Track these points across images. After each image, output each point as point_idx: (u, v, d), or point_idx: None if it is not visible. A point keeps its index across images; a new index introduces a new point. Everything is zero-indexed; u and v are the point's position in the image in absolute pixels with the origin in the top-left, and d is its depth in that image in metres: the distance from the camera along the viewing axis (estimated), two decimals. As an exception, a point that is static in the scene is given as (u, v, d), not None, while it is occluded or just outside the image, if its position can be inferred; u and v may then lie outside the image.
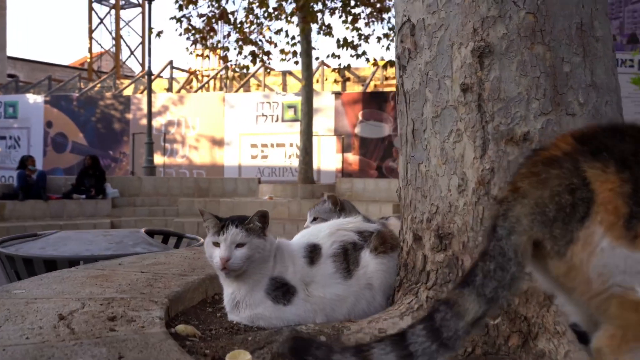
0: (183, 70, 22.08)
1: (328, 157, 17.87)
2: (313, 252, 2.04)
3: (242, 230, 1.93)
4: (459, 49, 1.68)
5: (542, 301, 1.51)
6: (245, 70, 15.96)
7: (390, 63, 15.72)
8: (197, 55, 17.39)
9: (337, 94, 18.24)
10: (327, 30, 15.30)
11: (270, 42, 15.84)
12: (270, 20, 15.30)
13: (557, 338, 1.45)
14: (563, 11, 1.61)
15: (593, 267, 1.02)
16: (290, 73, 20.52)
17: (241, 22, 15.23)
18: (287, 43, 15.60)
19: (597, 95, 1.62)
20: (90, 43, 28.04)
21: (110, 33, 29.08)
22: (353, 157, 17.93)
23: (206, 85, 21.23)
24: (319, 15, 14.72)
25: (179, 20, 15.08)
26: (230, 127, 18.43)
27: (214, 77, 21.39)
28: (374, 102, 17.84)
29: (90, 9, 28.42)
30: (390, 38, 15.13)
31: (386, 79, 19.99)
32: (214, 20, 15.15)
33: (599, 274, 1.02)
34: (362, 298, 2.01)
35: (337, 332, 1.71)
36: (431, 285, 1.71)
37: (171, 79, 22.06)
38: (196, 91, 20.68)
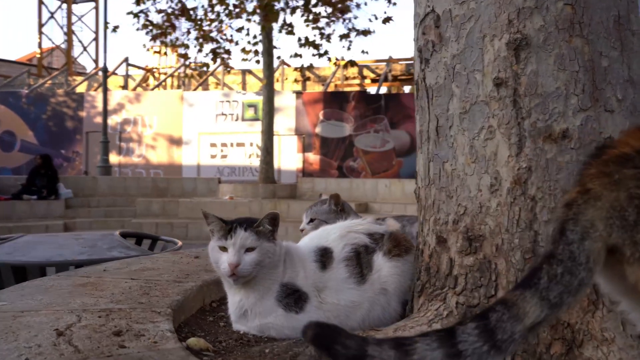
0: (139, 68, 21.52)
1: (289, 157, 17.75)
2: (324, 256, 1.92)
3: (252, 234, 1.80)
4: (491, 41, 1.59)
5: (586, 307, 1.44)
6: (205, 69, 15.67)
7: (351, 63, 15.73)
8: (155, 52, 16.96)
9: (298, 94, 18.13)
10: (289, 29, 15.17)
11: (230, 41, 15.59)
12: (231, 18, 15.06)
13: (606, 345, 1.37)
14: (601, 3, 1.55)
15: None
16: (250, 72, 20.28)
17: (201, 19, 14.93)
18: (249, 42, 15.40)
19: (634, 92, 1.57)
20: (40, 38, 27.03)
21: (62, 28, 28.09)
22: (314, 157, 17.87)
23: (163, 84, 20.73)
24: (281, 13, 14.58)
25: (136, 15, 14.67)
26: (188, 126, 18.06)
27: (172, 75, 20.92)
28: (335, 102, 17.82)
29: (40, 2, 27.38)
30: (350, 39, 15.12)
31: (346, 78, 20.01)
32: (173, 17, 14.81)
33: None
34: (377, 304, 1.91)
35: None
36: (460, 290, 1.62)
37: (127, 76, 21.47)
38: (153, 89, 20.17)
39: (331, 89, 19.61)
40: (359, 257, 1.93)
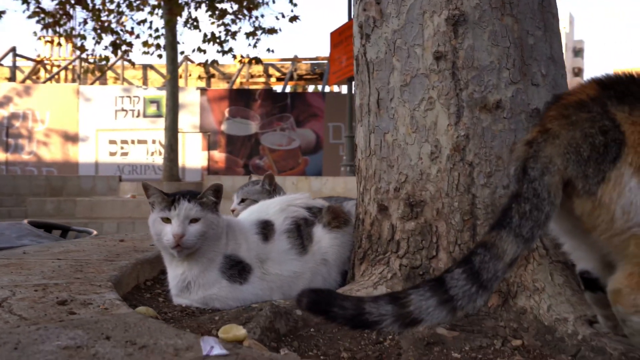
0: (29, 59, 20.15)
1: (193, 155, 17.38)
2: (266, 229, 1.94)
3: (196, 205, 1.78)
4: (431, 17, 1.68)
5: (519, 261, 1.57)
6: (104, 62, 14.98)
7: (256, 60, 15.68)
8: (47, 42, 15.96)
9: (203, 90, 17.81)
10: (194, 24, 14.88)
11: (130, 33, 15.02)
12: (132, 10, 14.52)
13: (538, 294, 1.50)
14: (528, -15, 1.69)
15: (619, 205, 1.06)
16: (152, 67, 19.64)
17: (99, 9, 14.26)
18: (150, 35, 14.92)
19: (555, 68, 1.72)
20: None
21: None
22: (219, 155, 17.62)
23: (56, 76, 19.57)
24: (185, 8, 14.27)
25: (25, 1, 13.74)
26: (85, 122, 17.17)
27: (66, 68, 19.79)
28: (241, 100, 17.68)
29: None
30: (257, 37, 15.08)
31: (252, 76, 19.92)
32: (68, 5, 14.03)
33: (624, 212, 1.07)
34: (318, 274, 1.95)
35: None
36: (403, 253, 1.70)
37: (14, 67, 20.03)
38: (45, 82, 18.98)
39: (236, 86, 19.44)
40: (299, 230, 1.97)
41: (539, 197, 1.07)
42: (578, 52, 52.99)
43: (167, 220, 1.78)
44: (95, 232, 3.57)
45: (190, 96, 17.34)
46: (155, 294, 1.98)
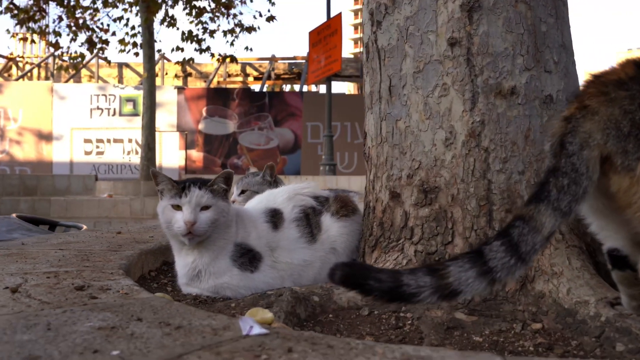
0: (0, 56, 19.70)
1: (170, 154, 17.20)
2: (275, 217, 1.92)
3: (207, 192, 1.76)
4: (445, 3, 1.69)
5: (536, 245, 1.58)
6: (80, 60, 14.72)
7: (232, 59, 15.59)
8: (20, 39, 15.63)
9: (180, 89, 17.64)
10: (171, 22, 14.73)
11: (106, 31, 14.80)
12: (107, 6, 14.31)
13: (556, 278, 1.52)
14: (539, -27, 1.71)
15: None
16: (127, 65, 19.38)
17: (74, 6, 14.01)
18: (127, 33, 14.72)
19: (567, 55, 1.75)
20: None
21: None
22: (197, 154, 17.47)
23: (29, 74, 19.18)
24: (163, 5, 14.12)
25: (-4, -4, 13.42)
26: (60, 120, 16.85)
27: (39, 66, 19.41)
28: (219, 99, 17.56)
29: None
30: (234, 35, 15.00)
31: (229, 75, 19.81)
32: (42, 1, 13.76)
33: None
34: (327, 262, 1.94)
35: (327, 292, 1.63)
36: (417, 240, 1.70)
37: (-15, 64, 19.57)
38: (17, 79, 18.59)
39: (214, 85, 19.31)
40: (308, 218, 1.96)
41: (577, 171, 1.08)
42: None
43: (177, 207, 1.75)
44: (84, 227, 3.50)
45: (167, 95, 17.16)
46: (162, 284, 1.95)
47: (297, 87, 19.72)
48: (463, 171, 1.65)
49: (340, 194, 2.10)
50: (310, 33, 15.03)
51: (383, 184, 1.84)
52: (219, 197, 1.79)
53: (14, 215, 3.45)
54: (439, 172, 1.69)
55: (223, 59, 15.09)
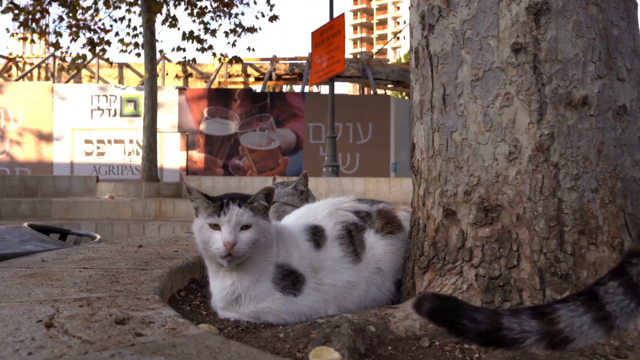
0: (0, 56, 19.52)
1: (172, 155, 17.05)
2: (317, 235, 1.79)
3: (247, 210, 1.63)
4: (508, 6, 1.56)
5: (613, 270, 1.45)
6: (81, 60, 14.56)
7: (236, 59, 15.45)
8: (20, 38, 15.47)
9: (181, 90, 17.49)
10: (173, 22, 14.59)
11: (107, 31, 14.65)
12: (109, 7, 14.16)
13: (638, 307, 1.39)
14: (610, -28, 1.58)
15: None
16: (128, 65, 19.22)
17: (75, 6, 13.86)
18: (128, 34, 14.58)
19: (639, 62, 1.62)
20: None
21: None
22: (198, 155, 17.33)
23: (29, 74, 18.99)
24: (164, 5, 13.98)
25: (-4, -4, 13.25)
26: (60, 121, 16.70)
27: (39, 66, 19.23)
28: (220, 99, 17.42)
29: None
30: (237, 35, 14.86)
31: (230, 76, 19.66)
32: (45, 1, 13.60)
33: None
34: (373, 284, 1.81)
35: (383, 320, 1.50)
36: (478, 262, 1.57)
37: (-16, 65, 19.39)
38: (17, 80, 18.41)
39: (215, 86, 19.17)
40: (351, 235, 1.83)
41: None
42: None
43: (215, 226, 1.62)
44: (98, 237, 3.36)
45: (168, 95, 17.02)
46: (194, 306, 1.82)
47: (297, 88, 19.59)
48: (530, 188, 1.52)
49: (383, 208, 1.97)
50: (313, 33, 14.90)
51: (436, 201, 1.71)
52: (259, 215, 1.65)
53: (25, 224, 3.31)
54: (501, 189, 1.56)
55: (230, 61, 14.93)
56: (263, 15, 15.00)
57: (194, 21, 14.64)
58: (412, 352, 1.41)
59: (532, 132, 1.52)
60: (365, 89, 20.89)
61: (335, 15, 14.22)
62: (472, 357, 1.38)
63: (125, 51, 14.59)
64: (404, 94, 22.04)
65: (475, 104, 1.61)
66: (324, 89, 19.63)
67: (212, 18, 14.78)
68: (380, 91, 21.03)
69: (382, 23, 61.72)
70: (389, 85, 20.99)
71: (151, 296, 1.52)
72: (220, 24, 19.29)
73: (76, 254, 2.20)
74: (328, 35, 14.74)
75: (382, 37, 61.23)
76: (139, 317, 1.30)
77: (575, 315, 0.93)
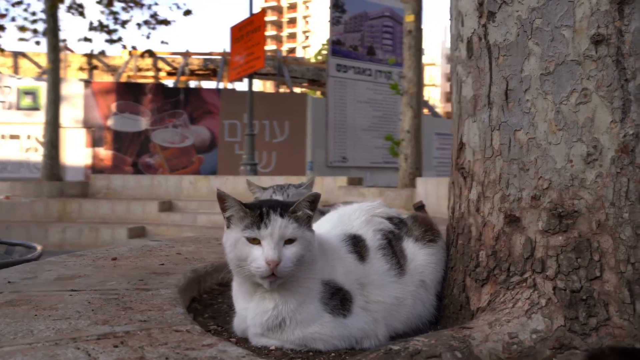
0: None
1: (75, 152, 15.96)
2: (358, 246, 1.57)
3: (291, 221, 1.38)
4: (586, -7, 1.42)
5: None
6: (-28, 47, 13.25)
7: (149, 53, 14.75)
8: None
9: (87, 83, 16.42)
10: (79, 10, 13.65)
11: (2, 16, 13.44)
12: (5, -9, 12.99)
13: None
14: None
15: None
16: (24, 55, 17.76)
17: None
18: (26, 19, 13.46)
19: None
20: None
21: None
22: (105, 152, 16.37)
23: None
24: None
25: None
26: (-54, 113, 15.10)
27: None
28: (130, 94, 16.54)
29: None
30: (151, 27, 14.18)
31: (140, 70, 18.72)
32: None
33: None
34: (418, 298, 1.63)
35: (464, 342, 1.31)
36: (554, 274, 1.42)
37: None
38: None
39: (123, 79, 18.17)
40: (391, 245, 1.63)
41: None
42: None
43: (254, 240, 1.36)
44: (40, 248, 2.91)
45: (72, 88, 15.89)
46: (214, 332, 1.54)
47: (212, 84, 19.03)
48: (613, 193, 1.39)
49: (419, 214, 1.79)
50: (232, 29, 14.49)
51: (495, 206, 1.54)
52: (304, 226, 1.41)
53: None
54: (578, 193, 1.42)
55: (142, 53, 14.18)
56: (178, 7, 14.41)
57: (102, 12, 13.77)
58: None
59: (615, 131, 1.40)
60: (281, 87, 20.72)
61: (254, 10, 13.92)
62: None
63: (25, 39, 13.47)
64: (319, 92, 22.06)
65: (545, 100, 1.46)
66: (239, 86, 19.23)
67: (123, 9, 13.98)
68: (296, 89, 20.92)
69: (292, 22, 61.66)
70: (304, 84, 20.94)
71: (190, 327, 1.24)
72: (132, 16, 18.34)
73: (45, 271, 1.83)
74: (247, 31, 14.39)
75: (292, 36, 61.19)
76: (193, 356, 1.02)
77: None
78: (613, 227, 1.38)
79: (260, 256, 1.34)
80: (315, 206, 1.45)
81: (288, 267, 1.35)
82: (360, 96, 17.68)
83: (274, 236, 1.35)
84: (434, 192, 8.89)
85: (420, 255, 1.66)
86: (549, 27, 1.46)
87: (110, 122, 16.24)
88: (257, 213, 1.38)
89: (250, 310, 1.44)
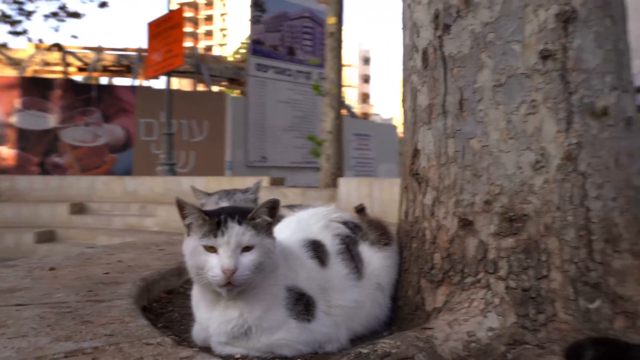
0: None
1: (-26, 151, 14.87)
2: (319, 251, 1.60)
3: (249, 228, 1.38)
4: (535, 11, 1.52)
5: (639, 278, 1.49)
6: None
7: (58, 46, 14.02)
8: None
9: (-13, 76, 15.33)
10: (-20, -2, 12.77)
11: None
12: None
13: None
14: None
15: None
16: None
17: None
18: None
19: (630, 75, 1.68)
20: None
21: None
22: (8, 151, 15.36)
23: None
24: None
25: None
26: None
27: None
28: (36, 89, 15.61)
29: None
30: (59, 19, 13.50)
31: (47, 64, 17.72)
32: None
33: None
34: (375, 301, 1.68)
35: (427, 343, 1.36)
36: (505, 274, 1.50)
37: None
38: None
39: (29, 74, 17.12)
40: (349, 250, 1.66)
41: None
42: (367, 60, 57.43)
43: (211, 249, 1.35)
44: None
45: (-30, 82, 14.79)
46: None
47: (126, 81, 18.36)
48: (559, 198, 1.49)
49: (373, 218, 1.83)
50: (150, 24, 14.03)
51: (449, 210, 1.61)
52: (263, 233, 1.41)
53: None
54: (527, 198, 1.52)
55: (49, 47, 13.44)
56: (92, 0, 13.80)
57: (5, 1, 12.95)
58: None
59: (560, 140, 1.50)
60: (199, 85, 20.33)
61: (172, 7, 13.58)
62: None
63: None
64: (238, 91, 21.83)
65: (497, 110, 1.55)
66: (156, 84, 18.69)
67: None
68: (214, 88, 20.59)
69: (209, 19, 60.53)
70: (223, 83, 20.66)
71: (160, 339, 1.21)
72: (38, 7, 17.34)
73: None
74: (165, 28, 14.01)
75: (209, 34, 60.06)
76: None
77: None
78: (558, 230, 1.49)
79: (216, 264, 1.33)
80: (275, 212, 1.45)
81: (245, 275, 1.35)
82: (280, 96, 17.68)
83: (230, 244, 1.34)
84: (356, 192, 9.04)
85: (376, 259, 1.71)
86: (500, 42, 1.54)
87: (13, 119, 15.25)
88: (214, 221, 1.37)
89: (213, 319, 1.42)
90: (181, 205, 1.40)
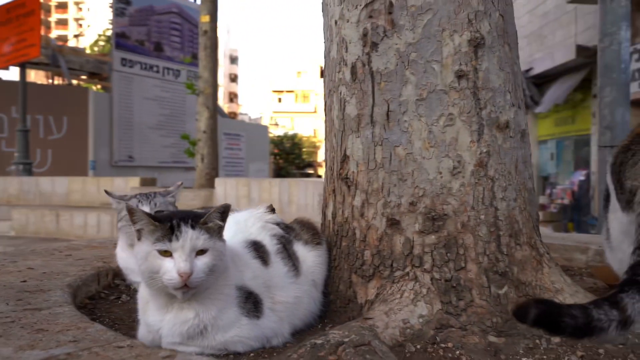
0: None
1: None
2: (260, 251, 1.69)
3: (202, 232, 1.44)
4: (451, 36, 1.73)
5: (535, 266, 1.76)
6: None
7: None
8: None
9: None
10: None
11: None
12: None
13: (560, 294, 1.70)
14: (511, 17, 1.90)
15: None
16: None
17: None
18: None
19: (522, 94, 1.97)
20: None
21: None
22: None
23: None
24: None
25: None
26: None
27: None
28: None
29: None
30: None
31: None
32: None
33: None
34: (311, 297, 1.80)
35: (373, 332, 1.51)
36: (430, 267, 1.70)
37: None
38: None
39: None
40: (286, 249, 1.77)
41: None
42: (234, 59, 57.03)
43: (166, 253, 1.40)
44: None
45: None
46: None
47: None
48: (473, 199, 1.72)
49: (304, 219, 1.95)
50: (-1, 10, 12.90)
51: (378, 211, 1.78)
52: (215, 236, 1.48)
53: None
54: (446, 199, 1.73)
55: None
56: None
57: None
58: (407, 359, 1.47)
59: (474, 149, 1.73)
60: (56, 79, 18.98)
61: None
62: (455, 354, 1.51)
63: None
64: (99, 86, 20.68)
65: (419, 121, 1.74)
66: (5, 75, 17.14)
67: None
68: (73, 82, 19.34)
69: (62, 7, 56.31)
70: (83, 77, 19.48)
71: (130, 341, 1.24)
72: None
73: None
74: (18, 14, 12.98)
75: (62, 22, 55.90)
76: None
77: (635, 302, 1.17)
78: (473, 227, 1.72)
79: (172, 268, 1.38)
80: (226, 216, 1.51)
81: (200, 277, 1.41)
82: (147, 93, 17.09)
83: (185, 248, 1.40)
84: (233, 193, 9.07)
85: (310, 257, 1.83)
86: (422, 61, 1.74)
87: None
88: (167, 226, 1.41)
89: (167, 321, 1.45)
90: (131, 211, 1.42)
